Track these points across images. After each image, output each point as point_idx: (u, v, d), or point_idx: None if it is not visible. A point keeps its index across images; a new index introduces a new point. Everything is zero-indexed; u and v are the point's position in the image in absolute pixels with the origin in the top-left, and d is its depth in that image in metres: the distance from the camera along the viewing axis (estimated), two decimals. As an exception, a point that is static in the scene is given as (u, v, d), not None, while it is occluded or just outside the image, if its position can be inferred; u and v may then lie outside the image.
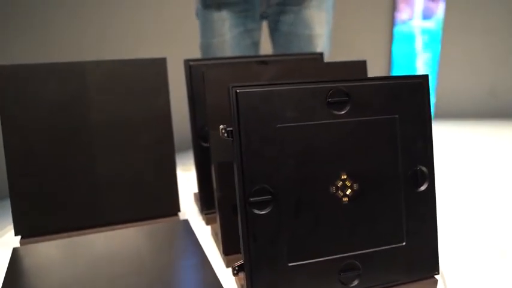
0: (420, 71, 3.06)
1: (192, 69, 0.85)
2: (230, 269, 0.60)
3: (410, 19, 2.99)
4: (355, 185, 0.60)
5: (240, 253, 0.58)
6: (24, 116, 0.79)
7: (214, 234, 0.81)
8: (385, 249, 0.61)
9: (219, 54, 1.24)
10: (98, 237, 0.78)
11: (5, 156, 0.78)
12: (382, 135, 0.61)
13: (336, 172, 0.59)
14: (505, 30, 2.87)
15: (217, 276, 0.64)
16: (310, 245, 0.59)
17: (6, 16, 2.00)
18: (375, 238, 0.61)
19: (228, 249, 0.72)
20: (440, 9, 2.94)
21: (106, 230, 0.81)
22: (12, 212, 0.80)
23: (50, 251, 0.74)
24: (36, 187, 0.80)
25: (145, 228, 0.81)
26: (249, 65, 0.87)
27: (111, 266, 0.67)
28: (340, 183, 0.59)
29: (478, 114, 2.81)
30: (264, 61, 0.86)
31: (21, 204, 0.80)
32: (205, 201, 0.89)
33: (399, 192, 0.62)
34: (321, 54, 0.92)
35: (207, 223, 0.88)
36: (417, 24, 3.00)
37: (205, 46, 1.28)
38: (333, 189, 0.59)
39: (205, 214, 0.89)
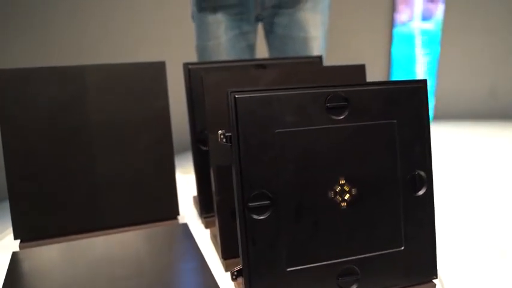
0: (420, 72, 3.06)
1: (191, 73, 0.86)
2: (229, 273, 0.60)
3: (409, 20, 2.99)
4: (353, 189, 0.60)
5: (239, 257, 0.58)
6: (23, 118, 0.79)
7: (213, 238, 0.82)
8: (384, 253, 0.61)
9: (215, 57, 1.24)
10: (97, 241, 0.78)
11: (4, 158, 0.79)
12: (381, 140, 0.61)
13: (335, 177, 0.60)
14: (505, 30, 2.87)
15: (215, 280, 0.64)
16: (309, 249, 0.59)
17: (6, 16, 2.00)
18: (373, 243, 0.61)
19: (226, 253, 0.72)
20: (439, 11, 2.94)
21: (105, 234, 0.81)
22: (12, 215, 0.80)
23: (50, 254, 0.74)
24: (36, 188, 0.80)
25: (144, 231, 0.82)
26: (247, 69, 0.87)
27: (111, 269, 0.67)
28: (338, 188, 0.60)
29: (477, 115, 2.81)
30: (262, 65, 0.86)
31: (21, 207, 0.80)
32: (205, 204, 0.89)
33: (397, 197, 0.62)
34: (320, 57, 0.92)
35: (206, 226, 0.89)
36: (417, 25, 3.00)
37: (201, 49, 1.29)
38: (332, 194, 0.59)
39: (205, 217, 0.89)
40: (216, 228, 0.74)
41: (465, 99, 2.92)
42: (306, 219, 0.59)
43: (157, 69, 0.86)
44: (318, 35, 1.28)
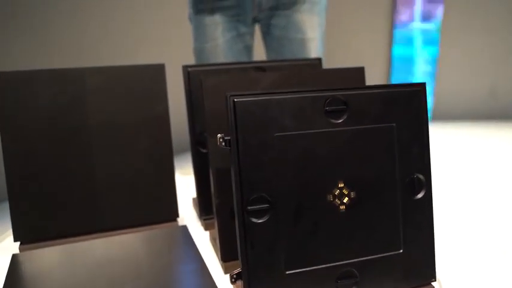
0: (419, 72, 3.06)
1: (190, 75, 0.86)
2: (228, 275, 0.60)
3: (409, 21, 2.99)
4: (352, 193, 0.60)
5: (238, 259, 0.58)
6: (24, 119, 0.79)
7: (213, 240, 0.82)
8: (382, 256, 0.62)
9: (212, 59, 1.25)
10: (97, 242, 0.78)
11: (4, 160, 0.79)
12: (380, 143, 0.62)
13: (334, 180, 0.60)
14: (505, 30, 2.87)
15: (215, 283, 0.64)
16: (308, 252, 0.59)
17: (6, 16, 2.01)
18: (372, 246, 0.61)
19: (226, 256, 0.72)
20: (439, 11, 2.94)
21: (105, 236, 0.82)
22: (12, 217, 0.80)
23: (49, 257, 0.74)
24: (36, 189, 0.80)
25: (144, 233, 0.82)
26: (246, 71, 0.87)
27: (110, 271, 0.68)
28: (337, 192, 0.60)
29: (477, 115, 2.81)
30: (261, 67, 0.86)
31: (21, 208, 0.80)
32: (204, 206, 0.89)
33: (396, 200, 0.62)
34: (319, 59, 0.92)
35: (206, 228, 0.89)
36: (417, 26, 3.00)
37: (198, 51, 1.29)
38: (330, 197, 0.59)
39: (204, 219, 0.89)
40: (216, 231, 0.74)
41: (465, 99, 2.92)
42: (305, 223, 0.59)
43: (157, 71, 0.86)
44: (315, 37, 1.28)
